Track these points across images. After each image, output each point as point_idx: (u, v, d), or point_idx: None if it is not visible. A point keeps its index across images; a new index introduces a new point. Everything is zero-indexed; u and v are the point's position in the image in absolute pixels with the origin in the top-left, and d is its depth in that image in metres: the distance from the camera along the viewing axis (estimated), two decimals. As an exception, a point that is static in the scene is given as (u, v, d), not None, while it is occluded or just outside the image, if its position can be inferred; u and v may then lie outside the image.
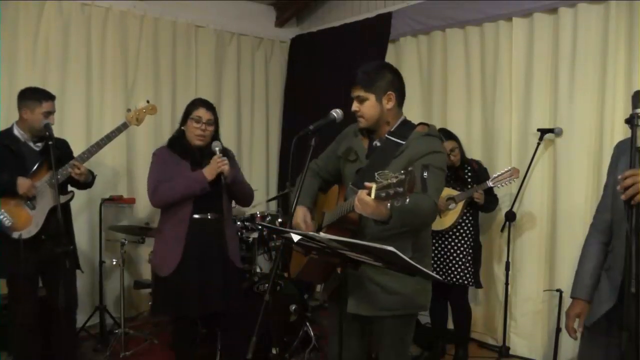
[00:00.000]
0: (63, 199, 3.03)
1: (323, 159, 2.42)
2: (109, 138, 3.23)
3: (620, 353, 1.58)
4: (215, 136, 2.99)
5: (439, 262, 3.60)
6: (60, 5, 4.25)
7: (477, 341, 4.14)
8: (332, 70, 5.12)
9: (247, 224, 4.13)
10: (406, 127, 2.16)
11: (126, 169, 4.59)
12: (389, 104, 2.13)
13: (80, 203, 4.22)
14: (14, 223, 2.98)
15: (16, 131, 3.11)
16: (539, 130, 3.74)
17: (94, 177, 3.33)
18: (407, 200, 1.63)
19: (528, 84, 3.87)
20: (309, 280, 2.96)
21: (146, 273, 4.47)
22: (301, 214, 2.24)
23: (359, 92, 2.13)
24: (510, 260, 3.84)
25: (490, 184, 3.51)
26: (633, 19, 3.34)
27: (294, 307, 3.62)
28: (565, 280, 3.49)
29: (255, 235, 4.03)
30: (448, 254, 3.59)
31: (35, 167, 3.07)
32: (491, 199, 3.66)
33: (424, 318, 3.90)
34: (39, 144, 3.15)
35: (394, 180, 1.62)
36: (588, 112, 3.56)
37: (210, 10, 5.07)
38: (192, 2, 4.93)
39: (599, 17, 3.50)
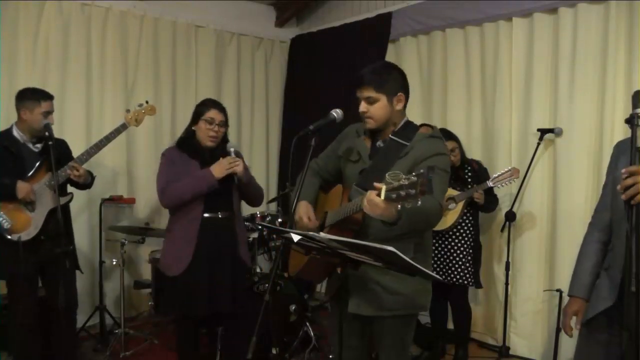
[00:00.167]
0: (62, 200, 3.03)
1: (323, 159, 2.41)
2: (107, 139, 3.23)
3: (621, 352, 1.59)
4: (224, 137, 3.00)
5: (439, 262, 3.60)
6: (60, 5, 4.25)
7: (477, 341, 4.14)
8: (332, 70, 5.12)
9: (247, 224, 4.13)
10: (410, 128, 2.16)
11: (126, 169, 4.59)
12: (398, 105, 2.13)
13: (80, 203, 4.22)
14: (13, 225, 2.98)
15: (15, 132, 3.11)
16: (539, 130, 3.74)
17: (93, 178, 3.33)
18: (419, 202, 1.62)
19: (528, 84, 3.87)
20: (309, 279, 2.95)
21: (146, 273, 4.47)
22: (303, 207, 2.22)
23: (369, 93, 2.08)
24: (510, 260, 3.84)
25: (490, 184, 3.51)
26: (633, 19, 3.34)
27: (294, 307, 3.62)
28: (565, 280, 3.47)
29: (255, 235, 4.04)
30: (448, 254, 3.59)
31: (34, 168, 3.06)
32: (491, 199, 3.66)
33: (424, 318, 3.90)
34: (38, 145, 3.15)
35: (406, 182, 1.61)
36: (588, 112, 3.56)
37: (210, 10, 5.07)
38: (192, 2, 4.93)
39: (599, 17, 3.50)
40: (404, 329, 2.20)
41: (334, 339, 2.27)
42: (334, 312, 2.33)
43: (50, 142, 2.88)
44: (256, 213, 4.25)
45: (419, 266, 1.70)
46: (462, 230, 3.60)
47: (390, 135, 2.14)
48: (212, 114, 2.89)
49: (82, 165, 3.13)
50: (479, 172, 3.67)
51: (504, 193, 3.88)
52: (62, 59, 4.26)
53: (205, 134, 2.89)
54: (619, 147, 1.97)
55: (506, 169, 3.52)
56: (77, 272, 3.29)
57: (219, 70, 5.18)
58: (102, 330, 4.03)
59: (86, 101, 4.37)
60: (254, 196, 3.10)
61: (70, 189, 3.26)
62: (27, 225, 3.02)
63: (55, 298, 2.88)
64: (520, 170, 3.58)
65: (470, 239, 3.60)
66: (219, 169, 2.79)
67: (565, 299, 2.11)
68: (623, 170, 1.59)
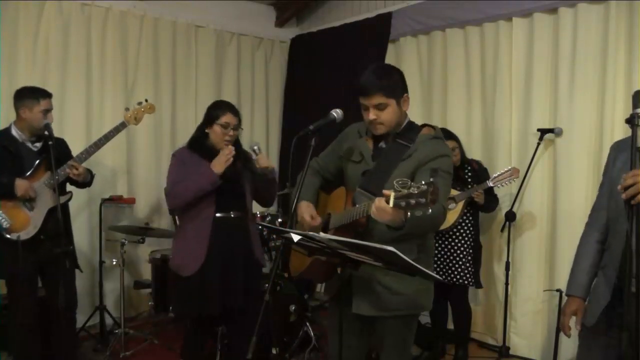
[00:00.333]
0: (62, 199, 3.03)
1: (324, 158, 2.40)
2: (107, 138, 3.23)
3: (620, 353, 1.59)
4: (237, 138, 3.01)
5: (439, 262, 3.60)
6: (60, 5, 4.25)
7: (477, 341, 4.14)
8: (332, 70, 5.12)
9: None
10: (412, 129, 2.16)
11: (126, 169, 4.59)
12: (405, 106, 2.13)
13: (80, 203, 4.23)
14: (12, 224, 2.97)
15: (14, 131, 3.11)
16: (539, 130, 3.74)
17: (92, 176, 3.33)
18: (430, 211, 1.62)
19: (528, 84, 3.87)
20: (312, 279, 2.95)
21: (146, 273, 4.47)
22: (305, 207, 2.22)
23: (380, 100, 2.04)
24: (510, 260, 3.84)
25: (490, 183, 3.51)
26: (633, 19, 3.34)
27: (294, 307, 3.62)
28: (565, 280, 3.41)
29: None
30: (448, 254, 3.59)
31: (33, 167, 3.06)
32: (491, 199, 3.66)
33: (424, 318, 3.90)
34: (37, 144, 3.15)
35: (416, 191, 1.61)
36: (588, 112, 3.56)
37: (210, 10, 5.07)
38: (192, 2, 4.93)
39: (599, 17, 3.50)
40: (406, 329, 2.21)
41: (333, 339, 2.27)
42: (333, 312, 2.33)
43: (50, 142, 2.88)
44: (256, 213, 4.24)
45: (419, 266, 1.70)
46: (462, 230, 3.60)
47: (393, 137, 2.14)
48: (228, 118, 2.88)
49: (81, 164, 3.13)
50: (479, 172, 3.67)
51: (504, 193, 3.88)
52: (62, 59, 4.26)
53: (221, 139, 2.88)
54: (615, 148, 1.99)
55: (506, 169, 3.52)
56: (77, 272, 3.29)
57: (219, 70, 5.18)
58: (102, 330, 4.03)
59: (86, 101, 4.37)
60: (270, 195, 3.09)
61: (69, 187, 3.26)
62: (26, 224, 3.02)
63: (55, 298, 2.88)
64: (520, 170, 3.58)
65: (471, 239, 3.60)
66: (217, 164, 2.78)
67: (565, 298, 2.12)
68: (624, 176, 1.60)
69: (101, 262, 4.09)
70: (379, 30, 4.78)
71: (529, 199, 3.86)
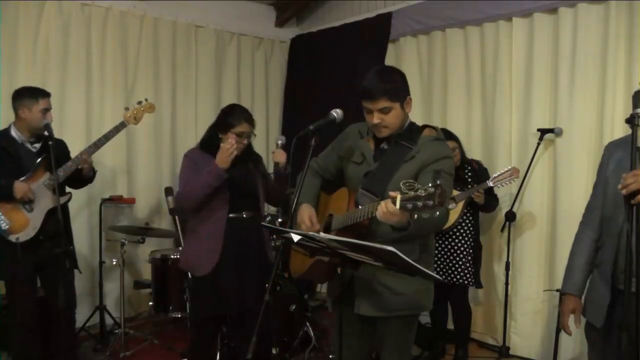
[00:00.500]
0: (61, 200, 3.03)
1: (324, 158, 2.40)
2: (106, 138, 3.23)
3: (620, 353, 1.59)
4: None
5: (439, 262, 3.60)
6: (60, 5, 4.24)
7: (477, 341, 4.14)
8: (332, 70, 5.12)
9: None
10: (414, 130, 2.16)
11: (126, 169, 4.59)
12: (408, 108, 2.13)
13: (80, 203, 4.23)
14: (11, 226, 2.97)
15: (13, 132, 3.11)
16: (539, 130, 3.74)
17: (94, 171, 3.32)
18: (437, 213, 1.63)
19: (528, 84, 3.87)
20: (313, 279, 2.95)
21: (146, 273, 4.47)
22: (306, 211, 2.21)
23: (384, 104, 2.03)
24: (510, 260, 3.84)
25: (490, 183, 3.51)
26: (633, 19, 3.34)
27: (294, 307, 3.62)
28: (565, 280, 3.49)
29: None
30: (448, 254, 3.59)
31: (32, 168, 3.06)
32: (491, 199, 3.66)
33: (424, 318, 3.90)
34: (36, 145, 3.15)
35: (423, 194, 1.61)
36: (588, 112, 3.56)
37: (210, 10, 5.07)
38: (192, 2, 4.93)
39: (599, 17, 3.50)
40: (407, 329, 2.21)
41: (334, 339, 2.27)
42: (334, 312, 2.33)
43: (50, 142, 2.88)
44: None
45: (418, 266, 1.70)
46: (462, 230, 3.60)
47: (395, 138, 2.13)
48: (243, 127, 2.86)
49: (79, 166, 3.12)
50: (479, 172, 3.67)
51: (504, 193, 3.88)
52: (62, 59, 4.26)
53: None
54: (609, 148, 2.05)
55: (506, 169, 3.51)
56: (76, 272, 3.29)
57: (219, 70, 5.18)
58: (102, 330, 4.03)
59: (86, 101, 4.37)
60: (282, 194, 3.10)
61: (68, 190, 3.25)
62: (25, 225, 3.02)
63: (55, 298, 2.88)
64: (520, 170, 3.58)
65: (471, 239, 3.60)
66: (220, 158, 2.75)
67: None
68: (624, 175, 1.61)
69: (101, 262, 4.09)
70: (379, 30, 4.78)
71: (529, 199, 3.86)
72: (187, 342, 3.65)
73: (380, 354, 2.27)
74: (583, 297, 2.10)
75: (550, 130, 3.69)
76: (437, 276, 1.79)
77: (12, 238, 2.97)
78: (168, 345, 3.85)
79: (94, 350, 3.84)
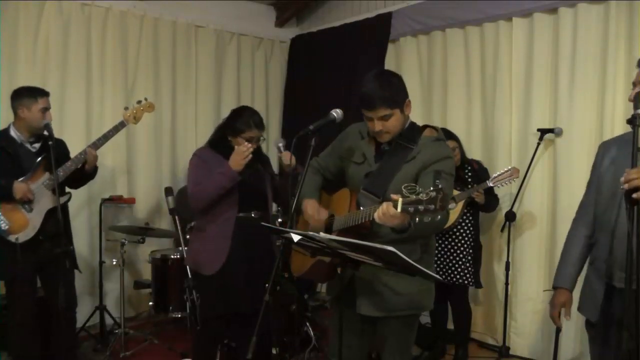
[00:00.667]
0: (61, 200, 3.02)
1: (324, 158, 2.40)
2: (106, 138, 3.23)
3: (619, 351, 1.60)
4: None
5: (439, 262, 3.60)
6: (60, 5, 4.24)
7: (477, 341, 4.14)
8: (332, 70, 5.12)
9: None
10: (414, 131, 2.16)
11: (126, 169, 4.59)
12: (408, 110, 2.13)
13: (80, 203, 4.23)
14: (10, 227, 2.97)
15: (13, 132, 3.11)
16: (539, 130, 3.74)
17: (96, 168, 3.31)
18: (439, 217, 1.63)
19: (528, 84, 3.87)
20: (313, 279, 2.95)
21: (146, 273, 4.47)
22: (309, 202, 2.23)
23: (384, 112, 2.03)
24: (510, 260, 3.84)
25: (490, 183, 3.50)
26: (633, 19, 3.34)
27: (294, 307, 3.62)
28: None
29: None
30: (448, 253, 3.59)
31: (32, 168, 3.06)
32: (491, 199, 3.66)
33: (424, 318, 3.89)
34: (36, 145, 3.15)
35: (425, 197, 1.62)
36: (588, 112, 3.56)
37: (210, 10, 5.07)
38: (192, 2, 4.93)
39: (599, 17, 3.50)
40: (407, 329, 2.21)
41: (334, 339, 2.27)
42: (334, 312, 2.33)
43: (50, 142, 2.88)
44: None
45: (419, 266, 1.70)
46: (462, 230, 3.60)
47: (395, 139, 2.13)
48: (253, 133, 2.86)
49: (79, 165, 3.12)
50: (479, 172, 3.67)
51: (504, 193, 3.88)
52: (62, 59, 4.26)
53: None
54: (604, 146, 2.09)
55: (506, 169, 3.51)
56: (76, 271, 3.29)
57: (219, 70, 5.18)
58: (102, 330, 4.03)
59: (86, 101, 4.37)
60: (287, 195, 3.11)
61: (68, 190, 3.25)
62: (25, 226, 3.02)
63: (54, 298, 2.88)
64: (520, 170, 3.57)
65: (471, 239, 3.60)
66: (234, 161, 2.76)
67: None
68: (628, 171, 1.63)
69: (101, 262, 4.09)
70: (379, 30, 4.78)
71: (529, 199, 3.86)
72: (187, 342, 3.65)
73: (381, 354, 2.27)
74: (579, 293, 2.14)
75: (550, 130, 3.69)
76: (437, 276, 1.79)
77: (12, 238, 2.97)
78: (168, 345, 3.85)
79: (94, 350, 3.84)
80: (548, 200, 3.80)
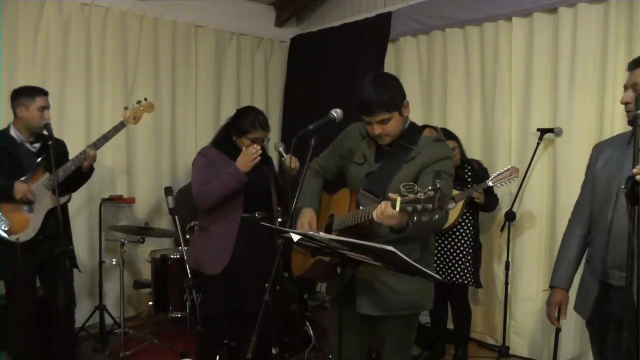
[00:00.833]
0: (61, 200, 3.02)
1: (325, 159, 2.40)
2: (106, 138, 3.22)
3: (620, 350, 1.61)
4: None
5: (439, 262, 3.61)
6: (60, 5, 4.24)
7: (477, 341, 4.14)
8: (332, 70, 5.12)
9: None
10: (414, 131, 2.16)
11: (126, 169, 4.59)
12: (407, 112, 2.14)
13: (80, 203, 4.23)
14: (11, 227, 2.97)
15: (13, 132, 3.11)
16: (539, 130, 3.74)
17: (93, 169, 3.31)
18: (437, 217, 1.64)
19: (528, 84, 3.87)
20: (313, 278, 2.95)
21: (146, 273, 4.47)
22: (307, 216, 2.23)
23: (382, 117, 2.04)
24: (510, 260, 3.84)
25: (490, 183, 3.50)
26: (633, 19, 3.34)
27: (294, 307, 3.62)
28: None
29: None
30: (448, 253, 3.60)
31: (32, 169, 3.06)
32: (492, 199, 3.66)
33: (424, 318, 3.90)
34: (36, 145, 3.15)
35: (423, 197, 1.62)
36: (588, 112, 3.56)
37: (210, 10, 5.07)
38: (192, 2, 4.93)
39: (599, 17, 3.50)
40: (407, 328, 2.22)
41: (334, 338, 2.27)
42: (334, 312, 2.34)
43: (50, 142, 2.88)
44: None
45: (418, 266, 1.70)
46: (462, 230, 3.60)
47: (396, 139, 2.13)
48: (258, 134, 2.87)
49: (79, 165, 3.12)
50: (479, 172, 3.67)
51: (504, 193, 3.88)
52: (62, 59, 4.26)
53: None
54: (598, 148, 2.15)
55: (506, 169, 3.51)
56: (76, 272, 3.29)
57: (219, 70, 5.18)
58: (102, 330, 4.03)
59: (86, 101, 4.37)
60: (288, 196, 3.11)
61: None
62: (26, 226, 3.02)
63: (54, 298, 2.88)
64: (520, 170, 3.57)
65: (471, 239, 3.60)
66: (243, 162, 2.77)
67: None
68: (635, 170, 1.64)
69: (101, 262, 4.09)
70: (379, 30, 4.78)
71: (529, 199, 3.86)
72: (187, 342, 3.65)
73: (381, 354, 2.27)
74: (575, 292, 2.18)
75: (550, 130, 3.69)
76: (437, 276, 1.79)
77: (13, 238, 2.97)
78: (168, 345, 3.85)
79: (94, 350, 3.84)
80: (548, 200, 3.80)
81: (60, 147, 3.24)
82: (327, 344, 3.74)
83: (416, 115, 4.29)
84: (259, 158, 2.77)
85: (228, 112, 5.19)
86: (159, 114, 4.67)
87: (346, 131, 2.35)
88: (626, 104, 1.99)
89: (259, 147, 2.79)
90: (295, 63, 5.66)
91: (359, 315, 2.17)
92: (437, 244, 3.60)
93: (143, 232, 3.93)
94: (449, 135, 3.59)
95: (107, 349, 3.74)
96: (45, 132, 2.97)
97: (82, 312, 3.84)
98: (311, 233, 1.77)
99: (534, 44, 3.82)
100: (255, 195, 2.91)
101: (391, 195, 1.72)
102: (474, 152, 4.07)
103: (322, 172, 2.41)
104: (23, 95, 3.08)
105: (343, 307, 2.07)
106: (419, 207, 1.63)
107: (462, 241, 3.59)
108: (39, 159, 3.09)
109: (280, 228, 2.23)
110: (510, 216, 3.77)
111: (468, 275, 3.55)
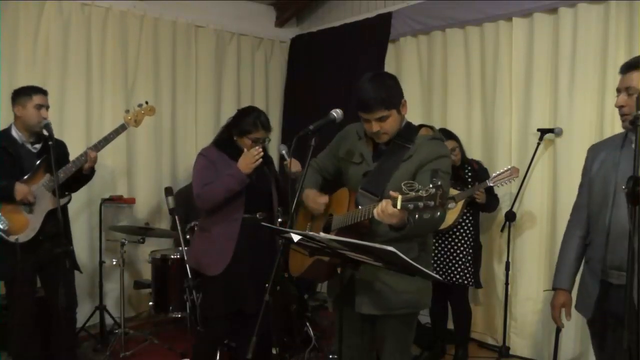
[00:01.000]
0: (61, 201, 3.01)
1: (323, 159, 2.42)
2: (107, 140, 3.22)
3: (620, 349, 1.62)
4: None
5: (439, 262, 3.61)
6: (60, 5, 4.24)
7: (477, 341, 4.14)
8: (332, 70, 5.12)
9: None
10: (411, 130, 2.17)
11: (126, 169, 4.59)
12: (404, 111, 2.15)
13: (80, 203, 4.23)
14: (10, 227, 2.97)
15: (14, 132, 3.11)
16: (539, 130, 3.74)
17: (94, 171, 3.31)
18: (439, 214, 1.64)
19: (528, 84, 3.87)
20: (312, 278, 2.95)
21: (146, 273, 4.47)
22: (310, 192, 2.29)
23: (381, 114, 2.05)
24: (510, 260, 3.84)
25: (490, 183, 3.51)
26: (633, 19, 3.34)
27: (294, 307, 3.62)
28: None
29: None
30: (448, 253, 3.60)
31: (32, 169, 3.06)
32: (492, 199, 3.66)
33: (424, 318, 3.90)
34: (37, 146, 3.15)
35: (424, 194, 1.63)
36: (588, 112, 3.56)
37: (210, 10, 5.07)
38: (192, 2, 4.93)
39: (599, 17, 3.50)
40: (407, 328, 2.22)
41: (335, 338, 2.28)
42: (334, 312, 2.34)
43: (50, 142, 2.87)
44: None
45: (418, 266, 1.70)
46: (462, 230, 3.60)
47: (393, 138, 2.14)
48: (259, 134, 2.87)
49: (79, 167, 3.12)
50: (479, 172, 3.67)
51: (504, 193, 3.88)
52: (62, 59, 4.26)
53: (249, 148, 2.86)
54: (593, 150, 2.16)
55: (506, 168, 3.51)
56: (76, 272, 3.29)
57: (219, 70, 5.18)
58: (102, 330, 4.03)
59: (86, 101, 4.37)
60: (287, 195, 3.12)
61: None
62: (25, 226, 3.02)
63: (55, 298, 2.88)
64: (520, 170, 3.58)
65: (471, 239, 3.60)
66: (244, 164, 2.77)
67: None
68: None
69: (101, 262, 4.09)
70: (379, 30, 4.78)
71: (529, 199, 3.86)
72: (187, 342, 3.65)
73: (381, 354, 2.27)
74: (575, 293, 2.20)
75: (550, 130, 3.69)
76: (437, 276, 1.80)
77: (11, 239, 2.96)
78: (168, 345, 3.85)
79: (94, 350, 3.84)
80: (548, 200, 3.80)
81: (61, 147, 3.24)
82: (327, 344, 3.74)
83: (416, 115, 4.31)
84: (261, 160, 2.78)
85: (228, 112, 5.20)
86: (159, 114, 4.66)
87: (342, 132, 2.36)
88: (620, 107, 1.97)
89: (261, 149, 2.79)
90: (295, 63, 5.66)
91: (359, 315, 2.18)
92: (437, 244, 3.61)
93: (143, 232, 3.93)
94: (449, 135, 3.59)
95: (107, 349, 3.75)
96: (45, 132, 2.97)
97: (82, 312, 3.84)
98: (311, 233, 1.77)
99: (534, 44, 3.82)
100: (256, 196, 2.91)
101: (392, 193, 1.72)
102: (474, 152, 4.07)
103: (320, 171, 2.43)
104: (20, 94, 3.09)
105: (343, 307, 2.08)
106: (420, 204, 1.63)
107: (462, 241, 3.59)
108: (39, 160, 3.09)
109: (280, 228, 2.23)
110: (510, 216, 3.77)
111: (468, 275, 3.55)
